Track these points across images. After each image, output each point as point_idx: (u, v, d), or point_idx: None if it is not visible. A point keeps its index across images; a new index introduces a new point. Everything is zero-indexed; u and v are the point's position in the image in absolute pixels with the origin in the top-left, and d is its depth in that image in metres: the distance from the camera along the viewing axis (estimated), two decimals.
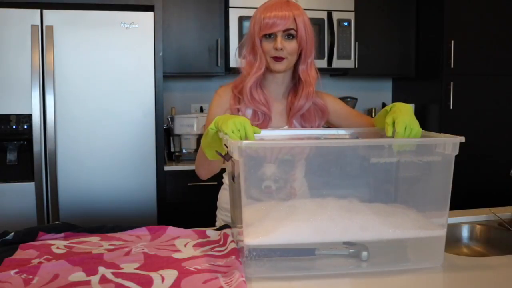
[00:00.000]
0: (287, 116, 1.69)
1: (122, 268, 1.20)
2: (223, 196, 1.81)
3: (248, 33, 1.64)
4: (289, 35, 1.57)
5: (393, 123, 1.36)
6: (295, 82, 1.68)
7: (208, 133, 1.37)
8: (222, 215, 1.81)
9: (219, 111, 1.64)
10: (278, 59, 1.57)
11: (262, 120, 1.65)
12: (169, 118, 3.22)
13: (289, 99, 1.69)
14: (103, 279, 1.13)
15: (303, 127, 1.68)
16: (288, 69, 1.63)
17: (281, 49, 1.55)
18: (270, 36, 1.57)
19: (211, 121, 1.59)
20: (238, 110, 1.66)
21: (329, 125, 1.80)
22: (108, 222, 1.95)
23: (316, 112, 1.69)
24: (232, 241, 1.34)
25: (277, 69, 1.59)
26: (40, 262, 1.23)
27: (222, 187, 1.85)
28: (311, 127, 1.68)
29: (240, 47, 1.70)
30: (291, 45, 1.57)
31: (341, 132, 1.61)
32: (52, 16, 2.67)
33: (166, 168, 2.93)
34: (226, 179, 1.81)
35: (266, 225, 1.23)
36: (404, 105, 1.43)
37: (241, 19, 3.15)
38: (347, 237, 1.25)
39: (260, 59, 1.59)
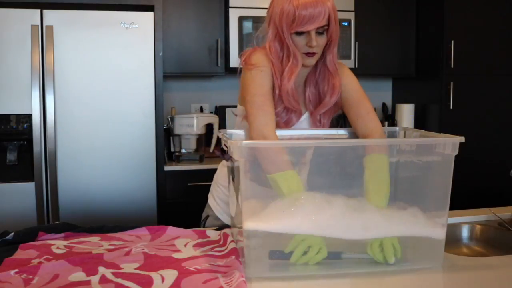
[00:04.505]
0: (304, 104, 1.67)
1: (122, 268, 1.20)
2: (221, 172, 1.79)
3: (271, 22, 1.57)
4: (322, 31, 1.54)
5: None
6: (313, 71, 1.66)
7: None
8: (218, 191, 1.79)
9: (267, 82, 1.55)
10: (310, 54, 1.56)
11: (292, 114, 1.62)
12: (169, 118, 3.22)
13: (310, 88, 1.67)
14: (103, 279, 1.13)
15: (321, 117, 1.67)
16: None
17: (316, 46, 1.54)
18: (302, 33, 1.53)
19: (250, 98, 1.52)
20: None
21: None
22: (108, 222, 1.95)
23: (334, 105, 1.67)
24: (232, 241, 1.34)
25: (309, 63, 1.58)
26: (40, 262, 1.23)
27: (221, 163, 1.82)
28: (327, 118, 1.67)
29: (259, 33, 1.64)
30: (323, 40, 1.56)
31: (341, 132, 1.61)
32: (52, 16, 2.66)
33: (166, 168, 2.93)
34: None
35: (266, 212, 1.22)
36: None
37: (241, 19, 3.15)
38: (348, 236, 1.25)
39: (295, 57, 1.56)
